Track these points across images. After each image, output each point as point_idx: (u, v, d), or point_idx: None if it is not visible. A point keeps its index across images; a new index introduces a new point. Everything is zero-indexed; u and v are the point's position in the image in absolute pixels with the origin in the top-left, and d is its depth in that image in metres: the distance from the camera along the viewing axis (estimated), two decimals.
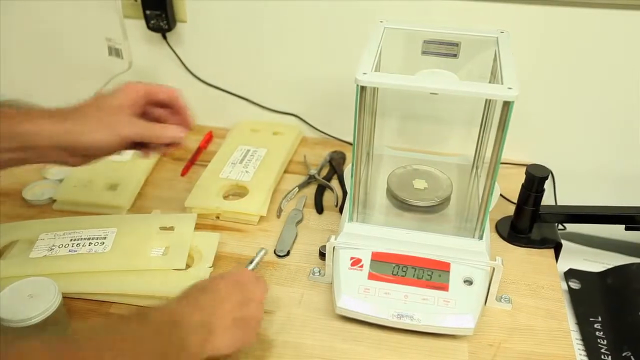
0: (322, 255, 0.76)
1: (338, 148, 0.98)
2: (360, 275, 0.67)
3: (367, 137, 0.79)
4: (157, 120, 0.67)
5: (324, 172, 0.93)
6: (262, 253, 0.71)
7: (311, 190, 0.89)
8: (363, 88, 0.61)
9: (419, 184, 0.78)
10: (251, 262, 0.70)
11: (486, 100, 0.75)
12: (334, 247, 0.70)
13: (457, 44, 0.71)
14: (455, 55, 0.72)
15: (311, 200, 0.87)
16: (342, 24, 0.90)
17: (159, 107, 0.68)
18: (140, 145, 0.66)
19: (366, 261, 0.68)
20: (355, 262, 0.68)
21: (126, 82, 0.66)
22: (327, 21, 0.91)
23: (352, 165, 0.67)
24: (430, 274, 0.66)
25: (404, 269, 0.67)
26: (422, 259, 0.67)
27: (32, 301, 0.60)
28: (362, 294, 0.65)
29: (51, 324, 0.61)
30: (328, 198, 0.88)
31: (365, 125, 0.69)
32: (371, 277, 0.67)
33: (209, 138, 1.00)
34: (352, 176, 0.68)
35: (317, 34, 0.92)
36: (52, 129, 0.60)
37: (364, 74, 0.60)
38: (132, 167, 0.89)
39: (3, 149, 0.60)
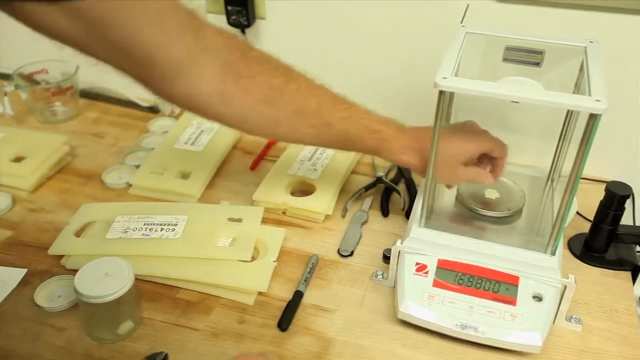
0: (386, 258, 0.75)
1: None
2: (424, 282, 0.66)
3: None
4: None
5: (391, 175, 0.92)
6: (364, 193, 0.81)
7: (377, 192, 0.89)
8: (442, 93, 0.60)
9: (491, 193, 0.76)
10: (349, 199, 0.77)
11: (568, 111, 0.72)
12: (399, 251, 0.69)
13: (541, 52, 0.69)
14: (538, 64, 0.70)
15: (377, 203, 0.87)
16: (420, 26, 0.89)
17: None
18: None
19: (432, 268, 0.67)
20: (421, 268, 0.67)
21: (479, 130, 0.73)
22: (406, 23, 0.90)
23: (429, 169, 0.66)
24: (497, 286, 0.64)
25: (471, 279, 0.65)
26: (490, 271, 0.66)
27: (107, 279, 0.63)
28: (425, 301, 0.64)
29: (123, 303, 0.64)
30: (394, 201, 0.87)
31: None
32: (436, 284, 0.66)
33: None
34: (426, 181, 0.67)
35: (394, 35, 0.92)
36: (404, 160, 0.73)
37: (444, 78, 0.59)
38: (204, 157, 0.92)
39: (369, 152, 0.74)
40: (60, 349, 0.64)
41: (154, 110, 1.06)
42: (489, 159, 0.73)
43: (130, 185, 0.87)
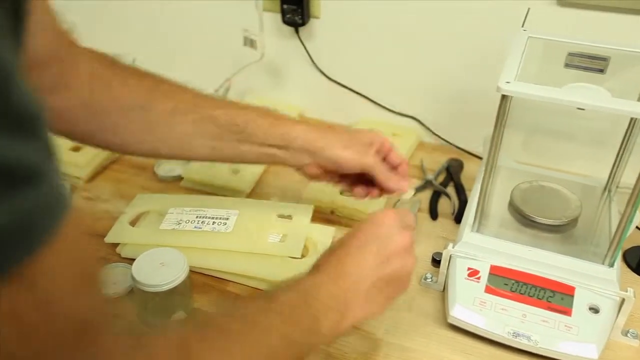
0: (435, 261, 0.75)
1: (456, 155, 0.96)
2: (476, 287, 0.65)
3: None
4: None
5: (440, 178, 0.92)
6: (412, 197, 0.76)
7: (426, 195, 0.88)
8: (505, 97, 0.59)
9: (546, 201, 0.74)
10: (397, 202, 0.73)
11: (631, 120, 0.71)
12: (450, 255, 0.69)
13: (605, 59, 0.67)
14: (602, 71, 0.68)
15: (425, 205, 0.86)
16: (476, 28, 0.88)
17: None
18: (360, 182, 0.72)
19: (484, 273, 0.66)
20: (473, 273, 0.66)
21: (371, 130, 0.72)
22: (461, 25, 0.89)
23: (482, 173, 0.66)
24: (552, 295, 0.63)
25: (524, 286, 0.64)
26: (544, 279, 0.64)
27: (163, 269, 0.64)
28: (477, 306, 0.64)
29: (177, 294, 0.65)
30: (442, 205, 0.87)
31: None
32: (488, 290, 0.65)
33: None
34: (480, 185, 0.67)
35: (448, 37, 0.91)
36: (307, 135, 0.67)
37: (507, 83, 0.58)
38: None
39: (263, 143, 0.67)
40: None
41: None
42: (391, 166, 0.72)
43: (182, 178, 0.89)
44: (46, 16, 0.57)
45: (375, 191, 0.72)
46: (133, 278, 0.63)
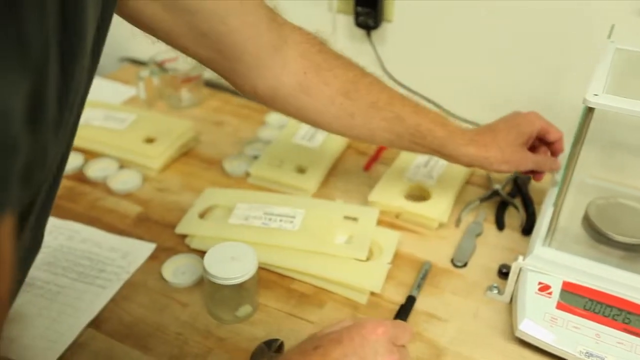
0: (502, 273, 0.74)
1: None
2: (547, 303, 0.64)
3: None
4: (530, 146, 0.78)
5: (507, 189, 0.90)
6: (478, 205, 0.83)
7: (492, 205, 0.87)
8: (589, 110, 0.58)
9: (623, 218, 0.72)
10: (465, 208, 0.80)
11: None
12: (520, 268, 0.67)
13: None
14: None
15: (492, 215, 0.85)
16: (553, 39, 0.86)
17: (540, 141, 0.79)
18: None
19: (556, 289, 0.65)
20: (544, 288, 0.65)
21: (525, 112, 0.77)
22: (539, 32, 0.87)
23: (557, 187, 0.64)
24: (629, 317, 0.61)
25: (599, 305, 0.62)
26: (622, 300, 0.62)
27: (233, 263, 0.66)
28: (547, 322, 0.62)
29: (245, 288, 0.66)
30: (509, 216, 0.85)
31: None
32: (560, 306, 0.63)
33: None
34: (555, 199, 0.65)
35: (522, 47, 0.89)
36: (473, 157, 0.73)
37: (595, 95, 0.56)
38: (320, 154, 0.93)
39: (435, 150, 0.73)
40: (184, 323, 0.68)
41: None
42: (546, 146, 0.79)
43: (249, 175, 0.91)
44: (261, 10, 0.60)
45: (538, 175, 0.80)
46: (204, 269, 0.65)
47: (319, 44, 0.68)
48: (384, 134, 0.72)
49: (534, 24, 0.87)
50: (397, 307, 0.70)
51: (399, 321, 0.52)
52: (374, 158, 0.96)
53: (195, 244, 0.77)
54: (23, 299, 0.68)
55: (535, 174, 0.80)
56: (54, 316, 0.66)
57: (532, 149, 0.79)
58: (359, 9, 0.93)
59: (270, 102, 0.67)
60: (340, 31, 0.98)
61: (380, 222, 0.81)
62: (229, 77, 0.65)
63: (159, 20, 0.54)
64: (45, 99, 0.30)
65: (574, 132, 0.63)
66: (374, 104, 0.70)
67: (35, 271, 0.71)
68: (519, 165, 0.75)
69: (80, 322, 0.66)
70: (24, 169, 0.29)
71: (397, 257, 0.77)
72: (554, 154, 0.80)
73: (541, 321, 0.63)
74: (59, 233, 0.77)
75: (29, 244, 0.44)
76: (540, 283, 0.65)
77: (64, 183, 0.88)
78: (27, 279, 0.70)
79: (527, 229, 0.80)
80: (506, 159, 0.73)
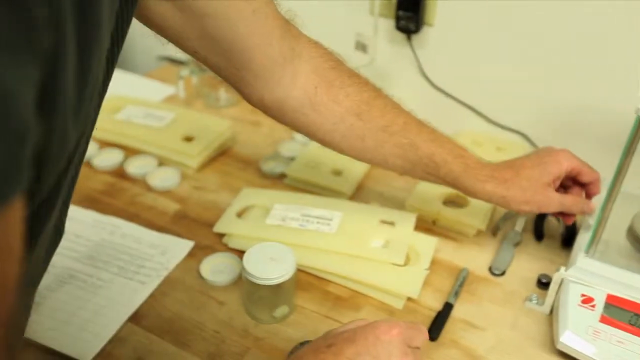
0: (541, 283, 0.73)
1: None
2: (590, 316, 0.63)
3: None
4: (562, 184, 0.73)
5: None
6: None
7: (531, 214, 0.85)
8: None
9: None
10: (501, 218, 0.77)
11: None
12: (562, 279, 0.66)
13: None
14: None
15: (530, 225, 0.83)
16: (605, 44, 0.84)
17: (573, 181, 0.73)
18: None
19: (599, 302, 0.63)
20: (587, 300, 0.64)
21: (556, 150, 0.71)
22: (589, 37, 0.85)
23: (606, 198, 0.63)
24: None
25: None
26: None
27: (272, 264, 0.66)
28: (590, 336, 0.61)
29: (283, 289, 0.66)
30: (548, 226, 0.83)
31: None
32: (604, 320, 0.62)
33: None
34: (601, 210, 0.64)
35: (567, 53, 0.88)
36: (491, 195, 0.69)
37: None
38: None
39: (449, 184, 0.70)
40: (222, 321, 0.68)
41: None
42: (580, 187, 0.72)
43: (285, 176, 0.91)
44: (275, 20, 0.59)
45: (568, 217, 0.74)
46: (243, 269, 0.65)
47: (334, 60, 0.66)
48: (397, 160, 0.68)
49: (584, 29, 0.85)
50: (433, 314, 0.70)
51: (414, 323, 0.52)
52: None
53: (232, 243, 0.77)
54: (66, 291, 0.69)
55: (565, 216, 0.73)
56: (95, 309, 0.67)
57: (565, 188, 0.73)
58: (401, 12, 0.93)
59: (277, 114, 0.65)
60: (380, 35, 0.98)
61: (416, 228, 0.80)
62: (237, 86, 0.63)
63: (168, 20, 0.53)
64: (60, 86, 0.31)
65: (624, 142, 0.62)
66: (386, 128, 0.66)
67: (78, 264, 0.73)
68: (541, 206, 0.69)
69: (120, 316, 0.67)
70: (40, 156, 0.29)
71: (434, 263, 0.76)
72: (588, 196, 0.72)
73: (583, 334, 0.61)
74: (101, 228, 0.79)
75: (53, 233, 0.45)
76: (583, 295, 0.64)
77: (105, 178, 0.90)
78: (70, 271, 0.72)
79: (567, 240, 0.79)
80: (527, 199, 0.68)
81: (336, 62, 0.66)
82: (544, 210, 0.70)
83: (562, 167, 0.69)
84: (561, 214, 0.73)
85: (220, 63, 0.59)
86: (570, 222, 0.74)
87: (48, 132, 0.30)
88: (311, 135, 0.68)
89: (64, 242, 0.75)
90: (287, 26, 0.61)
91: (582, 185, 0.72)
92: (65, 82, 0.31)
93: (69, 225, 0.79)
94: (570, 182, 0.73)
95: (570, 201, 0.70)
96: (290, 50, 0.61)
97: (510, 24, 0.90)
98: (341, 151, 0.69)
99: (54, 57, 0.29)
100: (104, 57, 0.39)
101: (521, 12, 0.89)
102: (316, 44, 0.66)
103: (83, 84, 0.34)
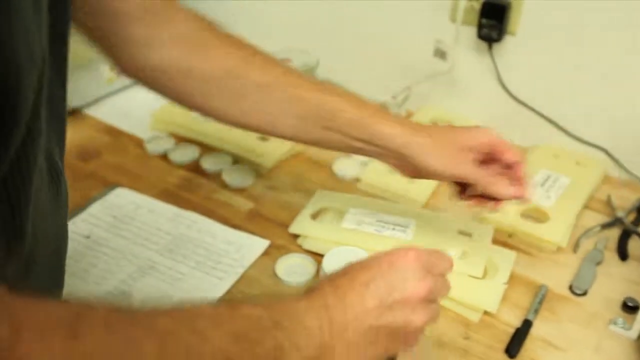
0: (627, 307, 0.70)
1: None
2: None
3: None
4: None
5: (631, 217, 0.85)
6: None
7: (613, 233, 0.82)
8: None
9: None
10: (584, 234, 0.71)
11: None
12: None
13: None
14: None
15: (613, 244, 0.80)
16: None
17: (494, 162, 0.66)
18: (463, 189, 0.67)
19: None
20: None
21: (480, 126, 0.68)
22: None
23: None
24: None
25: None
26: None
27: None
28: None
29: None
30: (633, 245, 0.80)
31: None
32: None
33: None
34: None
35: None
36: (398, 139, 0.63)
37: None
38: None
39: (350, 136, 0.65)
40: None
41: None
42: (506, 169, 0.64)
43: (359, 180, 0.91)
44: None
45: (489, 202, 0.66)
46: (323, 272, 0.65)
47: (206, 23, 0.64)
48: (286, 119, 0.64)
49: None
50: (510, 329, 0.68)
51: (436, 250, 0.50)
52: None
53: (307, 245, 0.78)
54: (147, 282, 0.71)
55: (488, 201, 0.66)
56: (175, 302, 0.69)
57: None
58: (484, 20, 0.91)
59: (149, 81, 0.63)
60: (461, 42, 0.97)
61: (492, 240, 0.78)
62: (110, 51, 0.61)
63: None
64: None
65: None
66: (268, 84, 0.63)
67: (158, 256, 0.75)
68: (452, 165, 0.62)
69: None
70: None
71: (511, 277, 0.74)
72: (514, 179, 0.65)
73: None
74: (179, 221, 0.80)
75: (48, 181, 0.45)
76: None
77: (182, 173, 0.92)
78: (151, 263, 0.74)
79: None
80: (438, 152, 0.62)
81: (209, 25, 0.65)
82: (456, 172, 0.63)
83: (478, 138, 0.63)
84: (484, 199, 0.66)
85: (94, 26, 0.58)
86: (496, 208, 0.67)
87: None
88: (190, 102, 0.65)
89: (144, 234, 0.78)
90: None
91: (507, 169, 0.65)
92: None
93: (149, 217, 0.82)
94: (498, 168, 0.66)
95: (486, 176, 0.63)
96: (163, 10, 0.61)
97: (597, 35, 0.87)
98: (225, 119, 0.66)
99: None
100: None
101: (609, 24, 0.86)
102: (189, 10, 0.64)
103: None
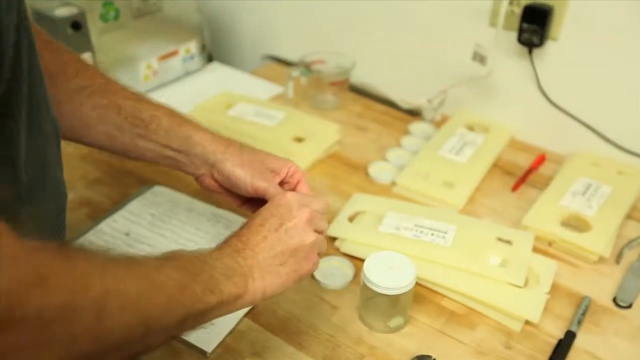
0: None
1: None
2: None
3: None
4: None
5: None
6: None
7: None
8: None
9: None
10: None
11: None
12: None
13: None
14: None
15: None
16: None
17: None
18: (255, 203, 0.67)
19: None
20: None
21: (284, 158, 0.69)
22: None
23: None
24: None
25: None
26: None
27: (392, 273, 0.65)
28: None
29: (401, 300, 0.66)
30: None
31: None
32: None
33: (541, 160, 0.97)
34: None
35: None
36: (210, 145, 0.65)
37: None
38: (467, 169, 0.91)
39: (163, 144, 0.65)
40: (335, 325, 0.68)
41: (413, 113, 1.08)
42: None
43: (395, 184, 0.90)
44: None
45: None
46: (364, 275, 0.65)
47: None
48: (102, 126, 0.62)
49: None
50: (553, 340, 0.67)
51: (309, 195, 0.65)
52: (522, 179, 0.93)
53: (345, 248, 0.77)
54: None
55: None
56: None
57: None
58: (525, 25, 0.90)
59: None
60: (501, 47, 0.95)
61: (532, 249, 0.77)
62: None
63: None
64: None
65: None
66: (83, 89, 0.61)
67: None
68: (254, 174, 0.64)
69: (239, 311, 0.67)
70: None
71: (553, 287, 0.73)
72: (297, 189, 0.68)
73: None
74: (216, 221, 0.80)
75: (51, 130, 0.50)
76: None
77: None
78: None
79: None
80: (243, 162, 0.64)
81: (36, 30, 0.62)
82: (257, 182, 0.63)
83: (282, 165, 0.67)
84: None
85: None
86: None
87: None
88: None
89: (185, 234, 0.78)
90: None
91: None
92: None
93: (188, 216, 0.82)
94: None
95: (275, 190, 0.64)
96: None
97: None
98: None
99: None
100: None
101: None
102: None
103: None
